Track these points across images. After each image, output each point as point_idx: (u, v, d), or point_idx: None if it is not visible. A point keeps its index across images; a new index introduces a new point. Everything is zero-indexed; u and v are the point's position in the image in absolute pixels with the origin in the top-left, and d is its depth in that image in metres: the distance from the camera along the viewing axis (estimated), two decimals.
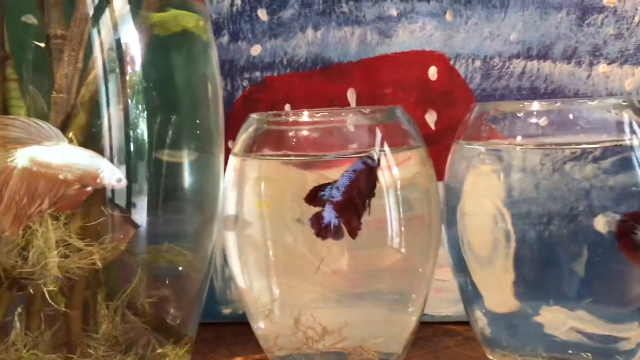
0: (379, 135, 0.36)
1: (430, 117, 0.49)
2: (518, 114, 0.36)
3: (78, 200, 0.29)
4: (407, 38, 0.48)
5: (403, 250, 0.36)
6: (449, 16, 0.48)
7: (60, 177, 0.28)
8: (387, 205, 0.35)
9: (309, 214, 0.34)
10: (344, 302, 0.37)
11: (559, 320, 0.34)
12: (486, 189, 0.36)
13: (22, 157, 0.27)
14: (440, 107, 0.48)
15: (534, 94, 0.48)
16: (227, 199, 0.38)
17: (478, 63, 0.48)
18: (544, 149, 0.34)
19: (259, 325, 0.39)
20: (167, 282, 0.36)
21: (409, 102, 0.48)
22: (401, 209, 0.35)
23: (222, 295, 0.51)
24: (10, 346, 0.31)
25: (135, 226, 0.34)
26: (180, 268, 0.36)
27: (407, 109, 0.48)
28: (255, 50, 0.50)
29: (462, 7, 0.48)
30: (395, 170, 0.36)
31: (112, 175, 0.29)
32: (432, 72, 0.49)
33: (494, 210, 0.35)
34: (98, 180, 0.29)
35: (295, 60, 0.49)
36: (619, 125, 0.34)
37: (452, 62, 0.48)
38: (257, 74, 0.50)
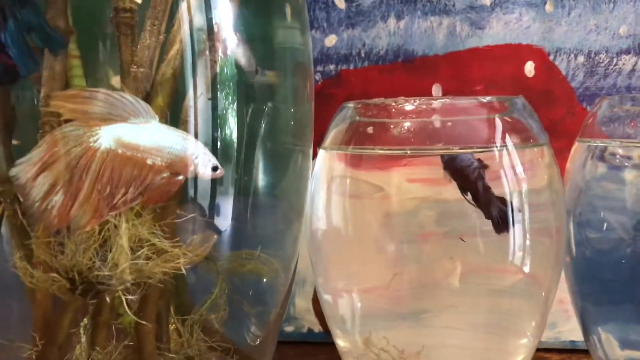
0: (499, 127, 0.31)
1: None
2: None
3: (167, 191, 0.24)
4: (502, 30, 0.44)
5: (527, 268, 0.31)
6: (549, 6, 0.43)
7: (149, 162, 0.23)
8: (510, 213, 0.30)
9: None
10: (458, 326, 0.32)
11: None
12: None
13: (106, 137, 0.23)
14: (537, 107, 0.43)
15: None
16: (316, 201, 0.33)
17: (581, 59, 0.43)
18: None
19: (339, 343, 0.35)
20: (250, 294, 0.31)
21: None
22: (527, 218, 0.30)
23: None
24: None
25: (218, 231, 0.29)
26: (264, 279, 0.31)
27: None
28: (330, 40, 0.45)
29: None
30: (520, 168, 0.31)
31: (208, 163, 0.24)
32: (529, 68, 0.44)
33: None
34: (192, 168, 0.24)
35: (374, 53, 0.45)
36: None
37: (551, 58, 0.44)
38: (332, 67, 0.46)
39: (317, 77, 0.46)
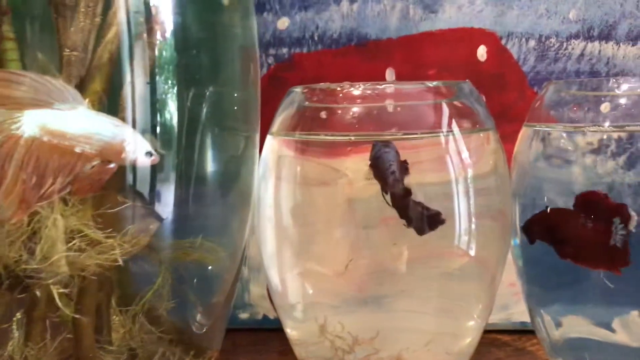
0: (446, 113, 0.31)
1: None
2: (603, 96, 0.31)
3: (99, 180, 0.23)
4: (455, 14, 0.44)
5: (472, 250, 0.31)
6: None
7: (77, 150, 0.22)
8: (456, 197, 0.30)
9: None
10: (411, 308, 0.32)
11: None
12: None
13: (30, 123, 0.22)
14: (489, 91, 0.44)
15: (594, 78, 0.43)
16: (264, 188, 0.32)
17: (532, 43, 0.44)
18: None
19: (288, 331, 0.34)
20: (194, 283, 0.30)
21: None
22: (472, 202, 0.30)
23: (239, 299, 0.46)
24: (6, 359, 0.25)
25: (160, 219, 0.28)
26: (209, 267, 0.31)
27: None
28: (283, 23, 0.45)
29: None
30: (466, 155, 0.31)
31: (141, 148, 0.23)
32: (481, 52, 0.44)
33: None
34: (123, 155, 0.23)
35: (327, 36, 0.45)
36: None
37: (503, 42, 0.44)
38: (284, 50, 0.45)
39: (269, 61, 0.45)
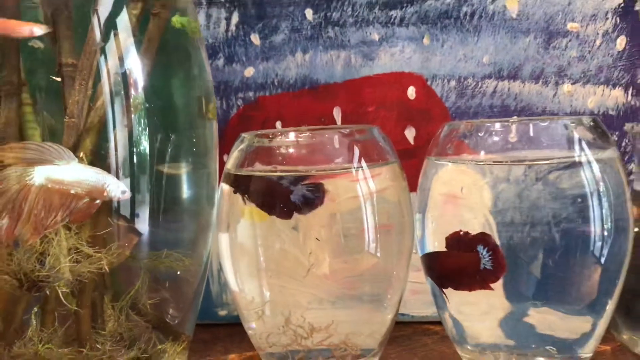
0: (357, 152, 0.40)
1: (410, 133, 0.53)
2: (480, 132, 0.40)
3: (88, 212, 0.33)
4: (388, 60, 0.52)
5: (378, 255, 0.40)
6: (426, 40, 0.52)
7: (72, 192, 0.32)
8: (364, 214, 0.40)
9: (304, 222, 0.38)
10: (333, 303, 0.41)
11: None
12: (450, 198, 0.40)
13: (39, 176, 0.32)
14: (418, 124, 0.52)
15: (504, 111, 0.51)
16: (221, 210, 0.42)
17: (453, 83, 0.52)
18: (504, 164, 0.38)
19: (251, 325, 0.43)
20: (166, 285, 0.40)
21: (390, 120, 0.52)
22: (376, 218, 0.39)
23: (218, 299, 0.55)
24: (27, 341, 0.35)
25: (139, 234, 0.38)
26: (178, 272, 0.40)
27: (389, 126, 0.52)
28: (249, 72, 0.54)
29: (438, 31, 0.52)
30: (372, 183, 0.40)
31: (117, 188, 0.33)
32: (411, 92, 0.52)
33: (454, 217, 0.39)
34: (105, 194, 0.33)
35: (285, 81, 0.53)
36: (570, 142, 0.38)
37: (429, 83, 0.52)
38: (251, 93, 0.54)
39: (239, 103, 0.54)
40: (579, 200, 0.36)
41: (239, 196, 0.40)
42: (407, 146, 0.52)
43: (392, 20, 0.52)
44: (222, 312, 0.55)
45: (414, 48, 0.52)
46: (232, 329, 0.53)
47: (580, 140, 0.38)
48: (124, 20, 0.38)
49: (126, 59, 0.38)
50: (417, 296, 0.52)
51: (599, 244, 0.37)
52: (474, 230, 0.38)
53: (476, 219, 0.38)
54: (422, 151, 0.50)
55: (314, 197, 0.38)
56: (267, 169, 0.41)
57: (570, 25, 0.51)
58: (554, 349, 0.39)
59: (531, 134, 0.39)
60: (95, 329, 0.37)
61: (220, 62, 0.53)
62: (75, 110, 0.37)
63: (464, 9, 0.51)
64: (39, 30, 0.36)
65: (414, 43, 0.52)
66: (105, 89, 0.37)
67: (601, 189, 0.37)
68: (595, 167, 0.37)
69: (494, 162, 0.38)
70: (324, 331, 0.41)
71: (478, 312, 0.40)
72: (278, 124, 0.54)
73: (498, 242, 0.37)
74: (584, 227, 0.36)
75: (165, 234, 0.40)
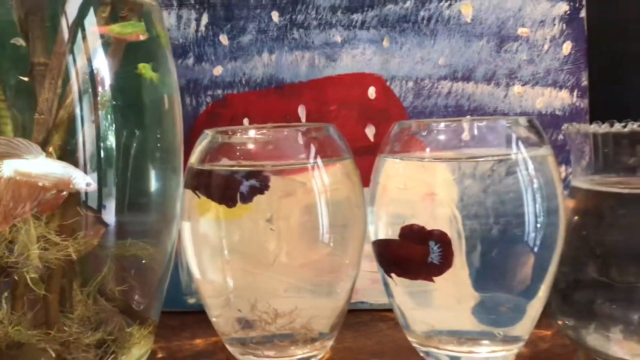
0: (312, 148, 0.43)
1: (370, 131, 0.55)
2: (424, 132, 0.43)
3: (55, 203, 0.35)
4: (350, 62, 0.55)
5: (331, 245, 0.43)
6: (385, 43, 0.55)
7: (40, 184, 0.34)
8: (319, 207, 0.42)
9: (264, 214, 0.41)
10: (294, 291, 0.44)
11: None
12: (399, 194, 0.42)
13: (7, 169, 0.34)
14: (378, 122, 0.55)
15: (458, 111, 0.55)
16: (183, 206, 0.44)
17: (411, 84, 0.55)
18: (445, 161, 0.41)
19: (216, 313, 0.46)
20: (132, 272, 0.43)
21: (351, 118, 0.55)
22: (330, 211, 0.42)
23: (187, 288, 0.57)
24: None
25: (105, 225, 0.41)
26: (143, 261, 0.43)
27: (350, 124, 0.55)
28: (218, 70, 0.56)
29: (397, 34, 0.55)
30: (326, 177, 0.42)
31: (83, 180, 0.35)
32: (371, 92, 0.55)
33: (397, 212, 0.42)
34: (71, 186, 0.35)
35: (252, 80, 0.56)
36: (508, 141, 0.41)
37: (388, 83, 0.55)
38: (219, 91, 0.56)
39: (208, 100, 0.57)
40: (513, 194, 0.39)
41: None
42: (367, 143, 0.55)
43: (353, 23, 0.55)
44: (191, 300, 0.57)
45: (374, 50, 0.55)
46: (200, 316, 0.54)
47: (517, 139, 0.41)
48: (92, 23, 0.40)
49: (94, 59, 0.40)
50: (375, 285, 0.55)
51: (532, 235, 0.40)
52: (415, 220, 0.41)
53: (421, 213, 0.41)
54: None
55: (259, 187, 0.41)
56: (229, 164, 0.43)
57: (520, 30, 0.54)
58: (501, 333, 0.42)
59: (475, 132, 0.41)
60: (63, 313, 0.40)
61: (190, 61, 0.56)
62: (45, 107, 0.39)
63: (422, 13, 0.54)
64: None
65: (374, 45, 0.55)
66: (74, 87, 0.40)
67: (535, 185, 0.40)
68: (530, 164, 0.40)
69: (434, 159, 0.41)
70: (287, 317, 0.44)
71: (423, 301, 0.43)
72: (245, 121, 0.56)
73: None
74: (518, 219, 0.39)
75: (132, 225, 0.42)
